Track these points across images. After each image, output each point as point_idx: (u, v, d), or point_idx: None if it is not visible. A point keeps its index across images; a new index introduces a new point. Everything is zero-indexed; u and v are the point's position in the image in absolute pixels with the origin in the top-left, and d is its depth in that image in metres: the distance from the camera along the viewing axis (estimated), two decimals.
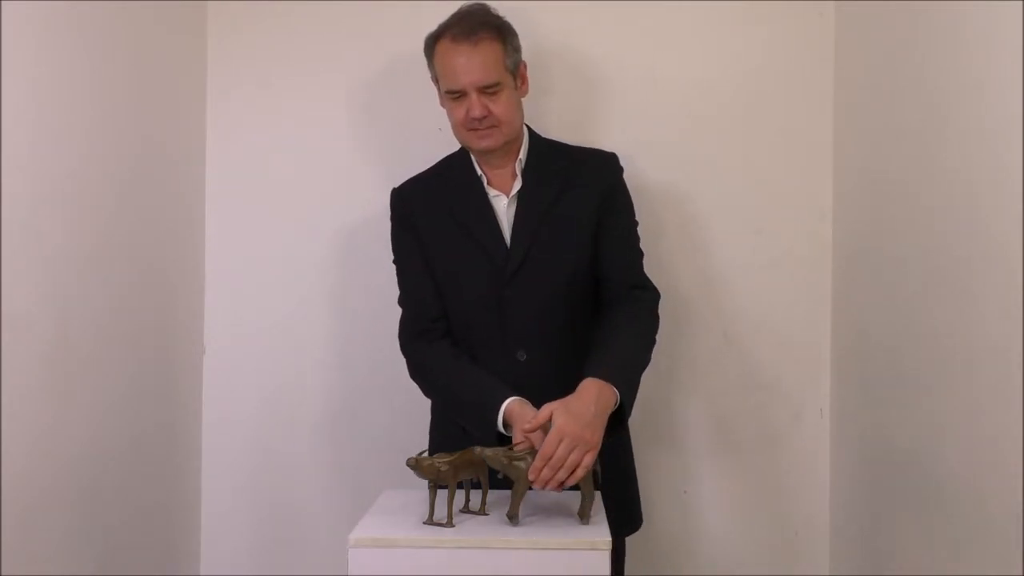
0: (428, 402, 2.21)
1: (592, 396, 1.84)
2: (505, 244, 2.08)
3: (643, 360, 2.07)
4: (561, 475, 1.75)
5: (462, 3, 2.16)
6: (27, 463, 1.83)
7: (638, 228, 2.18)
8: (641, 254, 2.17)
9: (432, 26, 2.23)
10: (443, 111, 2.18)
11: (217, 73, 2.56)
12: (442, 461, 1.74)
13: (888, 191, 2.17)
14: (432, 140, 2.45)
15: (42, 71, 1.88)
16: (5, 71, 1.74)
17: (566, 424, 1.77)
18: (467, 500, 1.83)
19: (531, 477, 1.75)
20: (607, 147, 2.27)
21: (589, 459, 1.77)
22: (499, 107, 2.05)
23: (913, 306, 2.03)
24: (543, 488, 1.76)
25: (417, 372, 2.13)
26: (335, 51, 2.54)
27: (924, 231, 1.97)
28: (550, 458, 1.75)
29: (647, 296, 2.14)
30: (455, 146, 2.24)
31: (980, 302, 1.74)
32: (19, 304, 1.79)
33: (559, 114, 2.48)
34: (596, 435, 1.80)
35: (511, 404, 1.91)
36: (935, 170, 1.92)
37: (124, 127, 2.18)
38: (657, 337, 2.13)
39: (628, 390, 1.93)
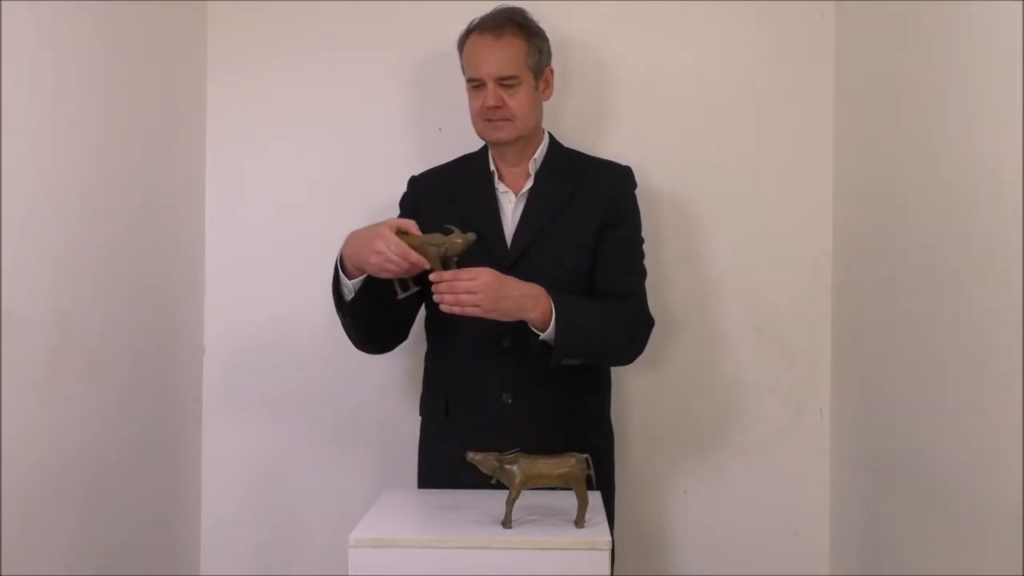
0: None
1: (525, 287, 1.94)
2: (505, 239, 2.10)
3: (599, 330, 2.03)
4: (448, 299, 1.87)
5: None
6: (27, 463, 1.83)
7: (643, 245, 2.19)
8: (642, 272, 2.18)
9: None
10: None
11: (217, 73, 2.56)
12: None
13: (888, 191, 2.17)
14: (433, 141, 2.46)
15: (42, 71, 1.88)
16: (5, 71, 1.74)
17: (491, 277, 1.89)
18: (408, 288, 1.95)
19: (432, 278, 1.89)
20: (605, 147, 2.28)
21: (472, 310, 1.88)
22: (515, 101, 2.09)
23: (913, 306, 2.03)
24: (440, 301, 1.88)
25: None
26: (335, 51, 2.54)
27: (924, 231, 1.97)
28: (456, 283, 1.87)
29: (643, 313, 2.14)
30: (455, 146, 2.25)
31: (980, 302, 1.74)
32: (19, 304, 1.79)
33: (562, 116, 2.48)
34: (499, 305, 1.89)
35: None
36: (935, 170, 1.92)
37: (124, 127, 2.18)
38: (642, 362, 2.17)
39: (564, 326, 1.95)
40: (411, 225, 1.94)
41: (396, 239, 1.89)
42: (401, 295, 1.95)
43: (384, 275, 1.92)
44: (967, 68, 1.80)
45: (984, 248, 1.72)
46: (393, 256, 1.88)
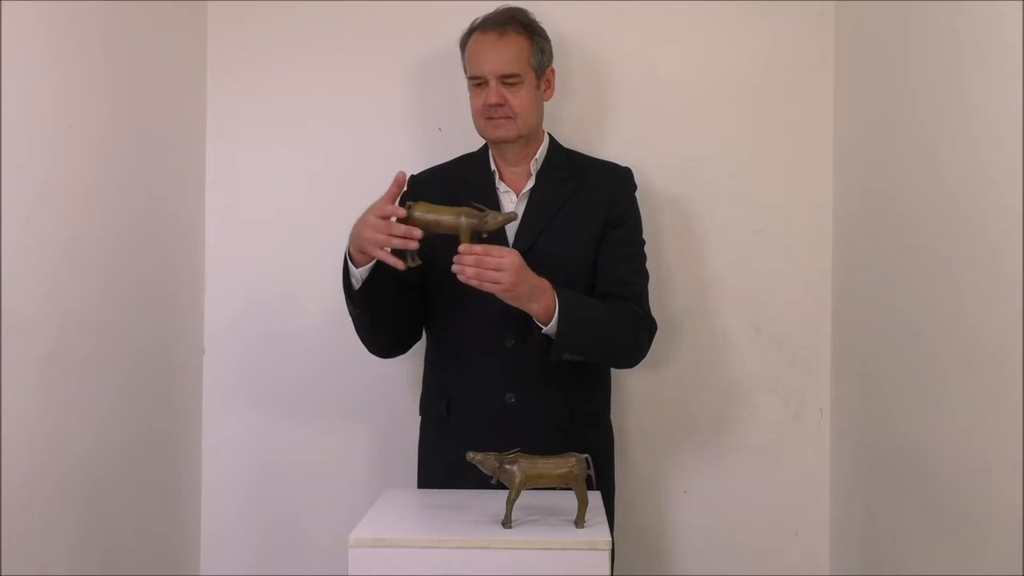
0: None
1: (536, 278, 1.93)
2: (507, 239, 2.10)
3: (601, 328, 2.04)
4: (470, 271, 1.86)
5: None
6: (27, 464, 1.83)
7: (644, 248, 2.20)
8: (645, 275, 2.18)
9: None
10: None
11: (217, 73, 2.56)
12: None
13: (888, 191, 2.17)
14: (433, 141, 2.46)
15: (42, 71, 1.88)
16: (5, 71, 1.74)
17: (518, 260, 1.89)
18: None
19: (461, 249, 1.87)
20: (604, 147, 2.27)
21: (491, 287, 1.87)
22: (516, 99, 2.10)
23: (913, 306, 2.03)
24: (461, 272, 1.86)
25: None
26: (335, 51, 2.54)
27: (924, 231, 1.97)
28: (485, 258, 1.86)
29: (646, 316, 2.14)
30: (455, 146, 2.25)
31: (980, 302, 1.74)
32: (19, 305, 1.79)
33: (562, 116, 2.48)
34: (517, 289, 1.90)
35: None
36: (935, 170, 1.93)
37: (124, 126, 2.18)
38: (642, 362, 2.16)
39: (567, 320, 1.95)
40: (400, 177, 1.95)
41: (379, 207, 1.91)
42: (408, 264, 1.92)
43: (382, 253, 1.91)
44: (967, 68, 1.80)
45: (984, 248, 1.72)
46: (377, 222, 1.89)
